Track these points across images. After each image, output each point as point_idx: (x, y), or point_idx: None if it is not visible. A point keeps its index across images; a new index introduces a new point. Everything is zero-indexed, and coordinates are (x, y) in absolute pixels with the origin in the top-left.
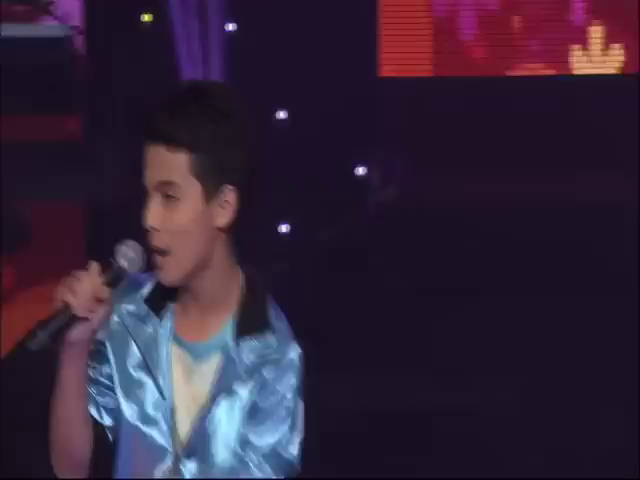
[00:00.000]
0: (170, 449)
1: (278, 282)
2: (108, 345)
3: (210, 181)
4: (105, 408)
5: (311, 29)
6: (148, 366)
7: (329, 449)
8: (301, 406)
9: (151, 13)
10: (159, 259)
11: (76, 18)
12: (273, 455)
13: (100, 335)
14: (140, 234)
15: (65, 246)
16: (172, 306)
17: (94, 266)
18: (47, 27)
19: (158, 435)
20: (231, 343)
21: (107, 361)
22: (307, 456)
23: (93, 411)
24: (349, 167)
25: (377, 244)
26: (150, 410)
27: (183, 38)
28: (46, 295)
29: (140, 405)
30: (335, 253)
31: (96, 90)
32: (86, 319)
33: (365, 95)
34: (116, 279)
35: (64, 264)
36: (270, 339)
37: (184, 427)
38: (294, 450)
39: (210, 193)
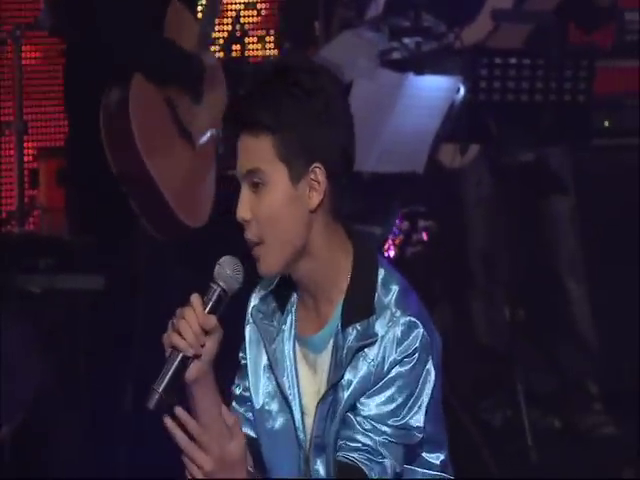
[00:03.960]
0: (303, 446)
1: None
2: (247, 354)
3: (296, 162)
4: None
5: None
6: (271, 364)
7: None
8: (421, 374)
9: None
10: (254, 250)
11: None
12: (397, 427)
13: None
14: None
15: None
16: (293, 301)
17: (196, 299)
18: None
19: (287, 439)
20: (339, 328)
21: (247, 373)
22: None
23: (247, 430)
24: None
25: None
26: (280, 416)
27: None
28: None
29: (270, 411)
30: None
31: None
32: (197, 355)
33: None
34: (219, 303)
35: None
36: (372, 322)
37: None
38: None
39: (297, 175)
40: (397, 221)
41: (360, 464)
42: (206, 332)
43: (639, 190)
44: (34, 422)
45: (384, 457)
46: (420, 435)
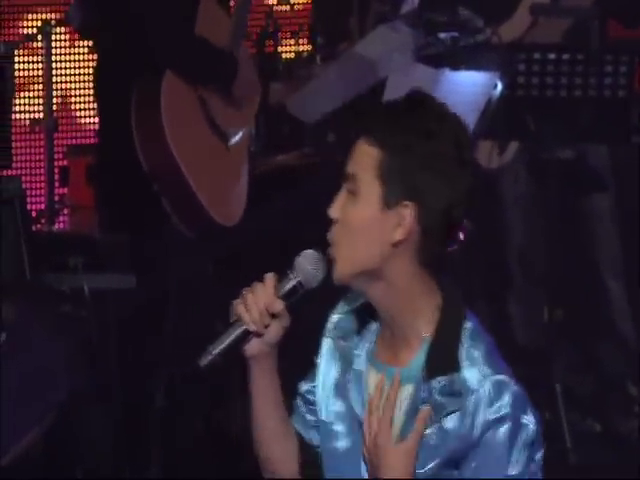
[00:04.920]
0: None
1: None
2: (320, 362)
3: (392, 188)
4: (314, 426)
5: None
6: (342, 384)
7: None
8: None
9: None
10: (330, 251)
11: None
12: None
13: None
14: None
15: None
16: (373, 328)
17: (270, 278)
18: None
19: (352, 464)
20: (421, 377)
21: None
22: None
23: (298, 426)
24: None
25: None
26: (343, 432)
27: None
28: None
29: (333, 423)
30: None
31: None
32: (259, 334)
33: None
34: (292, 292)
35: None
36: (460, 377)
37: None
38: None
39: (389, 201)
40: None
41: None
42: (272, 315)
43: None
44: (66, 421)
45: None
46: None
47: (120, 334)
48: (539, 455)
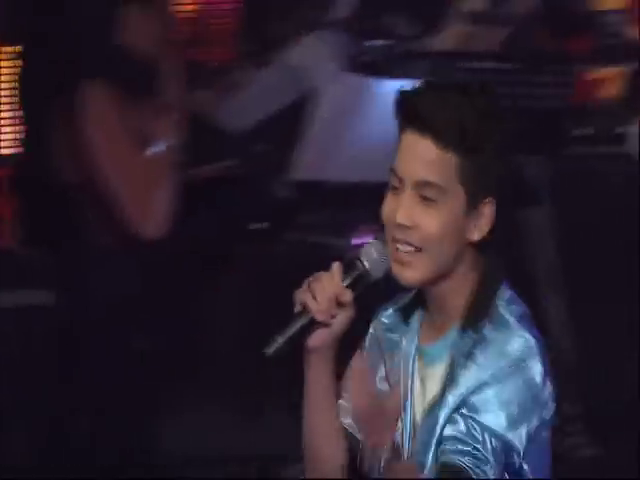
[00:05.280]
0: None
1: None
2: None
3: (475, 190)
4: None
5: None
6: (389, 373)
7: None
8: (527, 396)
9: None
10: (405, 256)
11: None
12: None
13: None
14: None
15: None
16: (418, 314)
17: (337, 267)
18: None
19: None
20: (457, 337)
21: None
22: None
23: (348, 421)
24: None
25: None
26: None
27: None
28: None
29: None
30: None
31: None
32: (326, 324)
33: None
34: (359, 281)
35: None
36: (488, 331)
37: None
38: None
39: (472, 203)
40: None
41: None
42: (339, 304)
43: (619, 198)
44: None
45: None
46: (518, 460)
47: (42, 351)
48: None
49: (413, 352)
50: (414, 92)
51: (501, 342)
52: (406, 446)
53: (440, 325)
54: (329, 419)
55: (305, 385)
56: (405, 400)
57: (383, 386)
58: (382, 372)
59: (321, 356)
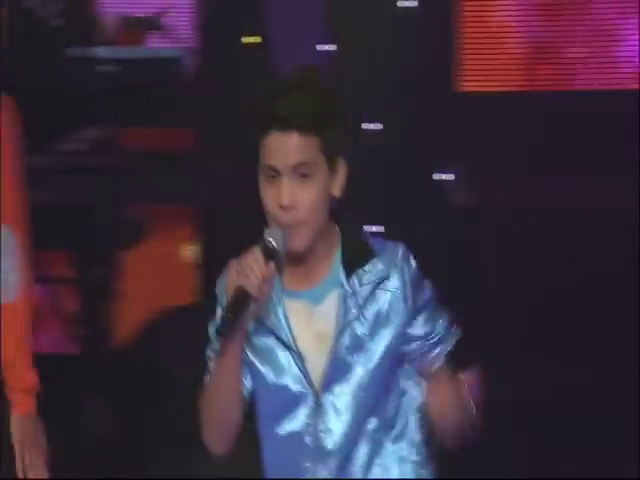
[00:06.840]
0: (308, 390)
1: None
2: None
3: (333, 156)
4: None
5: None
6: (267, 326)
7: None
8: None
9: (255, 35)
10: (293, 229)
11: (187, 40)
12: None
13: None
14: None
15: (177, 244)
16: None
17: (257, 249)
18: (162, 49)
19: (292, 382)
20: (344, 279)
21: None
22: None
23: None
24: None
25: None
26: (280, 364)
27: (283, 58)
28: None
29: (271, 363)
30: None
31: (210, 106)
32: (256, 299)
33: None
34: (273, 258)
35: (176, 260)
36: (377, 264)
37: (316, 366)
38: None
39: (332, 167)
40: None
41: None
42: (265, 280)
43: None
44: None
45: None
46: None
47: None
48: None
49: (281, 301)
50: (268, 100)
51: (401, 268)
52: (297, 373)
53: (310, 272)
54: (239, 386)
55: (226, 361)
56: (287, 340)
57: (263, 336)
58: (258, 323)
59: (243, 331)
